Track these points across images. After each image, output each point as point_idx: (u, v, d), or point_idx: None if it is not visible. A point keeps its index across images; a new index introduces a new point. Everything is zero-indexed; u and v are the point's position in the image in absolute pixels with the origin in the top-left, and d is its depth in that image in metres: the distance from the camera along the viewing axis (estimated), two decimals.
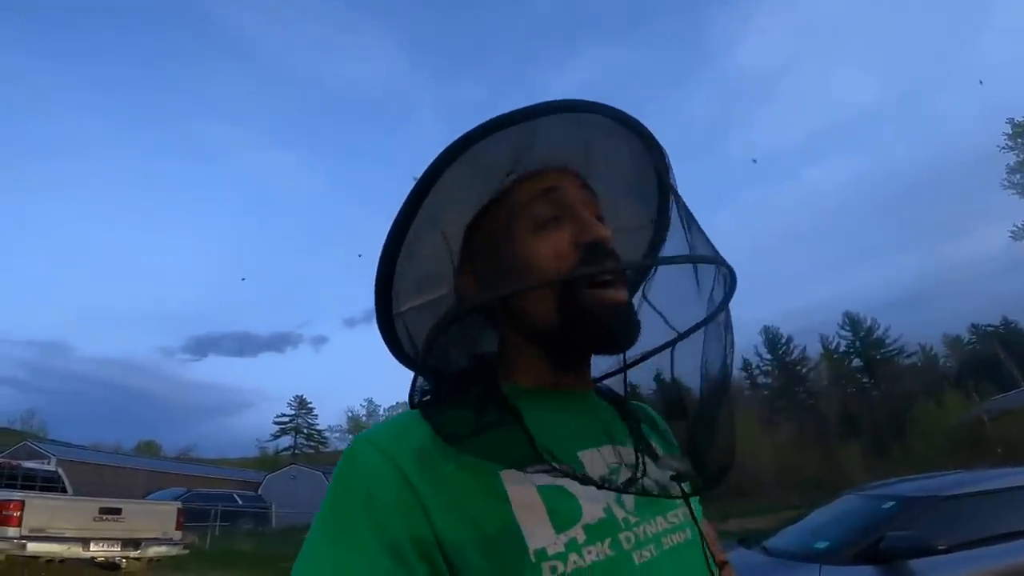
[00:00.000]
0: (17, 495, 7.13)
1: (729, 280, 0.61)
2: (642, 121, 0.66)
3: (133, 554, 7.77)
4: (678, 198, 0.67)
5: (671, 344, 0.69)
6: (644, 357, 0.70)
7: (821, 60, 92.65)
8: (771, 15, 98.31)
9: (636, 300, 0.71)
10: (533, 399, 0.61)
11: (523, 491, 0.53)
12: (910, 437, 27.85)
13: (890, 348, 40.49)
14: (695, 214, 0.65)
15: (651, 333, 0.68)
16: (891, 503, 3.93)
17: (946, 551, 3.40)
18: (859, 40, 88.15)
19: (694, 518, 0.64)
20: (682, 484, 0.59)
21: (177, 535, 8.31)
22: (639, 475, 0.58)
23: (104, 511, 7.57)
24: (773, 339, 42.59)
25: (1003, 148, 29.22)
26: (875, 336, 40.82)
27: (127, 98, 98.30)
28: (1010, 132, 28.86)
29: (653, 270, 0.74)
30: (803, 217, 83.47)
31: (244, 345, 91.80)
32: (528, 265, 0.61)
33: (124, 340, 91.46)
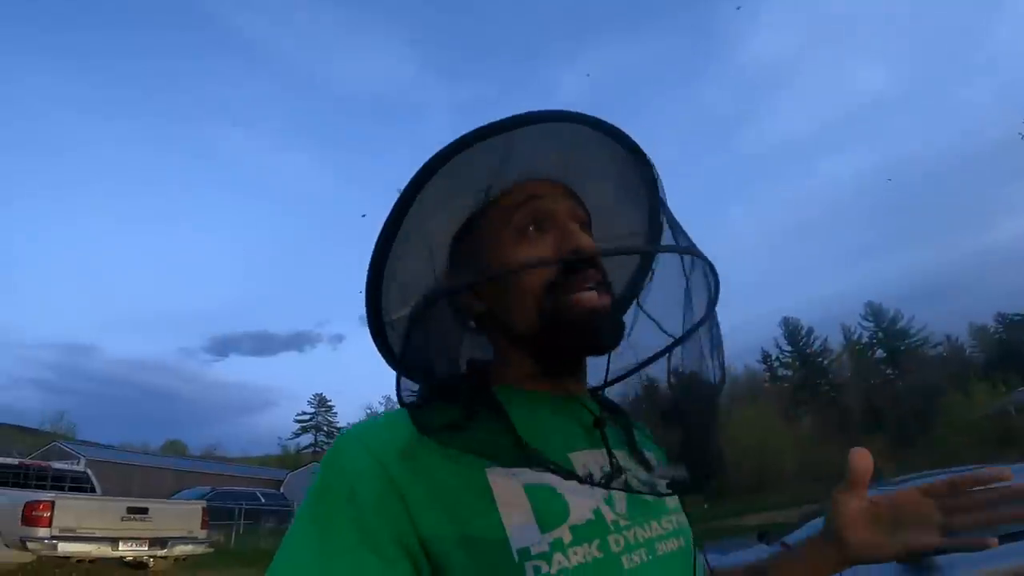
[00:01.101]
0: (47, 495, 7.26)
1: (712, 276, 0.62)
2: (627, 131, 0.66)
3: (160, 553, 7.88)
4: (664, 207, 0.67)
5: (661, 354, 0.69)
6: (632, 370, 0.71)
7: (837, 49, 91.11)
8: (783, 6, 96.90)
9: (629, 315, 0.73)
10: (525, 400, 0.62)
11: (509, 489, 0.53)
12: (936, 429, 27.39)
13: (915, 338, 39.82)
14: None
15: (642, 341, 0.69)
16: None
17: None
18: (879, 29, 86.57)
19: (690, 547, 0.64)
20: (671, 487, 0.59)
21: (202, 534, 8.42)
22: (624, 473, 0.57)
23: (132, 511, 7.68)
24: (793, 330, 42.09)
25: None
26: (899, 326, 40.15)
27: (146, 104, 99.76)
28: None
29: (638, 274, 0.76)
30: (822, 206, 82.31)
31: (264, 345, 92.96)
32: (519, 276, 0.61)
33: (148, 341, 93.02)
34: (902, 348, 39.23)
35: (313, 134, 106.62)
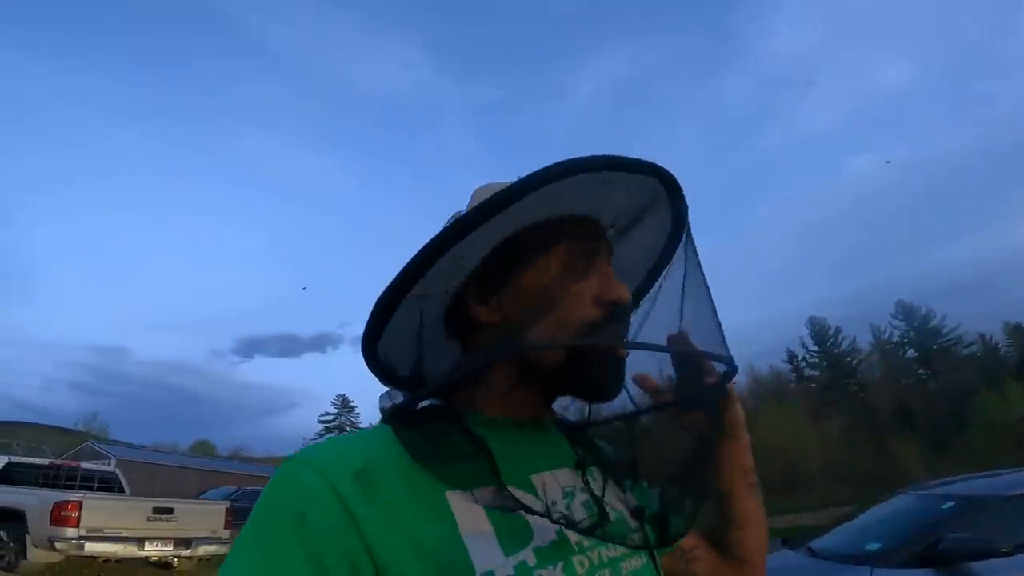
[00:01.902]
0: (75, 495, 7.37)
1: (728, 372, 0.63)
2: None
3: (184, 553, 7.99)
4: (701, 278, 0.67)
5: (654, 409, 0.70)
6: (627, 416, 0.71)
7: (866, 45, 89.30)
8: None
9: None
10: (496, 426, 0.60)
11: (470, 512, 0.51)
12: (970, 431, 26.67)
13: (947, 338, 38.75)
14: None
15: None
16: (951, 503, 3.76)
17: (1009, 553, 3.24)
18: (911, 24, 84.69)
19: (652, 557, 0.63)
20: (644, 526, 0.60)
21: (225, 534, 8.50)
22: (599, 512, 0.57)
23: (157, 511, 7.80)
24: (820, 330, 41.27)
25: None
26: (931, 325, 39.12)
27: (175, 108, 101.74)
28: None
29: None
30: (849, 203, 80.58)
31: (288, 346, 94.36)
32: (555, 308, 0.60)
33: (178, 343, 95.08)
34: (934, 347, 38.21)
35: (336, 138, 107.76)
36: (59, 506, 6.96)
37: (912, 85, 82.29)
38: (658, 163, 0.61)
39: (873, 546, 3.64)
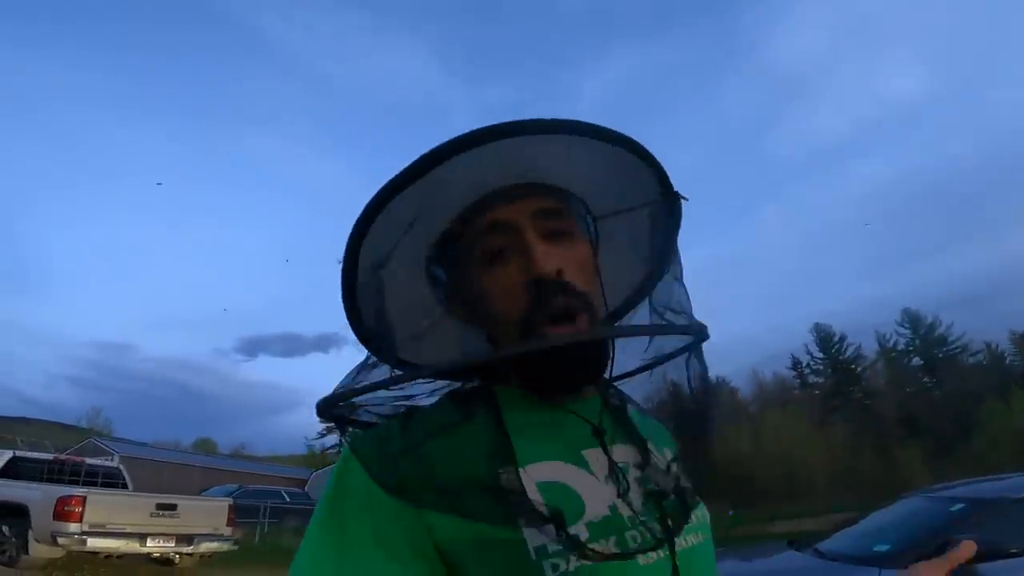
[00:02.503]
0: (79, 491, 7.38)
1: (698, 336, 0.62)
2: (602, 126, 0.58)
3: (186, 549, 7.98)
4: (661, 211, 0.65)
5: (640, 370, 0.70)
6: (634, 372, 0.71)
7: (875, 48, 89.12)
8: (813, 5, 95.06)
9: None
10: (529, 402, 0.61)
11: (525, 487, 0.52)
12: (975, 439, 26.54)
13: (953, 346, 38.57)
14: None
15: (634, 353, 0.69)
16: (960, 505, 3.76)
17: (1019, 555, 3.22)
18: (923, 26, 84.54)
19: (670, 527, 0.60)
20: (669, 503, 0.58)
21: (228, 531, 8.50)
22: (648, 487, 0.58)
23: (160, 507, 7.80)
24: (825, 337, 41.11)
25: None
26: (937, 333, 38.94)
27: (176, 110, 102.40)
28: None
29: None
30: (855, 211, 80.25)
31: (292, 346, 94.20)
32: (486, 305, 0.60)
33: (182, 341, 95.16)
34: (940, 356, 38.01)
35: (342, 137, 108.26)
36: (62, 501, 6.97)
37: (923, 91, 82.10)
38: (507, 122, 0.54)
39: (882, 547, 3.63)
